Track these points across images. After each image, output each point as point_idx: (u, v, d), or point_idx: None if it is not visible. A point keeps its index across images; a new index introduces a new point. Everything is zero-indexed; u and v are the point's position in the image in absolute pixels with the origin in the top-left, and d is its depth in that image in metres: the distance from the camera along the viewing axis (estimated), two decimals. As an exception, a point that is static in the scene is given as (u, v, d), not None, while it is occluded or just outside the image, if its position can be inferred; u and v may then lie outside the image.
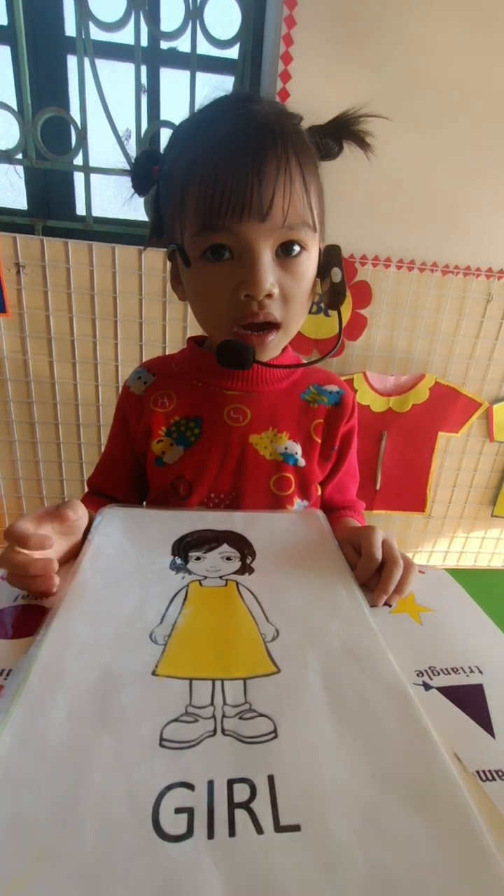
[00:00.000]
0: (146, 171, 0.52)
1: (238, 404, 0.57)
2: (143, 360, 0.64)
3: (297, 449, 0.58)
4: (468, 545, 1.70)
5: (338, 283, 0.52)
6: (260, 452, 0.57)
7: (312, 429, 0.59)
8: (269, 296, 0.47)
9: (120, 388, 1.34)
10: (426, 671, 0.38)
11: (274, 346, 0.52)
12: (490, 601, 0.48)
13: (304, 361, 0.62)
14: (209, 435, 0.57)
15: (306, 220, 0.46)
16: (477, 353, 1.44)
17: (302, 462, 0.58)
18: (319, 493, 0.63)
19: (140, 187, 0.54)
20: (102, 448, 0.68)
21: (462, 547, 1.70)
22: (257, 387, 0.58)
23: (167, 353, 0.67)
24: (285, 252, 0.47)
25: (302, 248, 0.47)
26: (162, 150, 0.52)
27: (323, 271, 0.52)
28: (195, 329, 0.57)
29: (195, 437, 0.57)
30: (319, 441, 0.59)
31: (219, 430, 0.57)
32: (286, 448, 0.58)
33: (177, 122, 1.22)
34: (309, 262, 0.49)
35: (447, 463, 1.55)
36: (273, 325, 0.50)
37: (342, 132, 0.50)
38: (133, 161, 0.53)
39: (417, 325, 1.38)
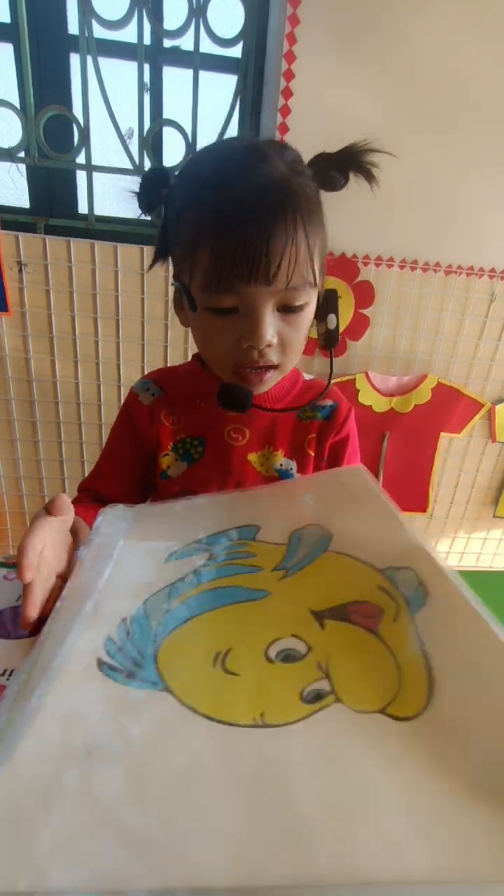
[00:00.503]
0: (155, 193, 0.53)
1: (238, 424, 0.61)
2: (145, 359, 0.64)
3: (292, 465, 0.63)
4: (470, 546, 1.70)
5: (332, 329, 0.55)
6: (257, 469, 0.62)
7: (306, 443, 0.63)
8: (269, 345, 0.50)
9: (121, 387, 1.34)
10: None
11: (270, 383, 0.56)
12: (491, 603, 0.47)
13: (310, 377, 0.65)
14: (212, 453, 0.62)
15: (308, 281, 0.48)
16: (479, 353, 1.43)
17: (298, 477, 0.62)
18: None
19: (146, 207, 0.55)
20: (103, 447, 0.68)
21: (464, 548, 1.70)
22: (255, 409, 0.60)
23: (170, 364, 0.68)
24: (286, 309, 0.49)
25: (302, 304, 0.50)
26: (172, 174, 0.53)
27: (320, 314, 0.55)
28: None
29: (199, 454, 0.62)
30: (313, 454, 0.63)
31: (220, 449, 0.62)
32: (281, 465, 0.62)
33: (180, 121, 1.21)
34: (308, 314, 0.52)
35: (449, 463, 1.55)
36: (271, 366, 0.53)
37: (349, 164, 0.51)
38: (141, 179, 0.54)
39: (420, 325, 1.38)
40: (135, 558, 0.41)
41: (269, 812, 0.21)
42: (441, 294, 1.35)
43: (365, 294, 1.31)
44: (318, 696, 0.26)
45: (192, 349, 1.03)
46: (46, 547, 0.41)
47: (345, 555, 0.37)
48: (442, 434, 1.48)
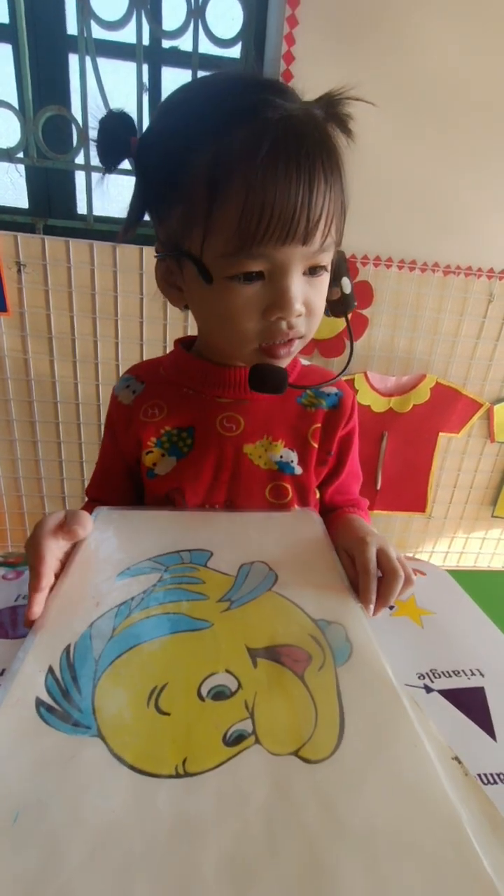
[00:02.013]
0: (119, 140, 0.46)
1: (231, 412, 0.56)
2: (144, 359, 0.63)
3: (293, 457, 0.57)
4: (468, 546, 1.70)
5: (348, 293, 0.51)
6: (254, 462, 0.56)
7: (310, 434, 0.57)
8: (299, 315, 0.46)
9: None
10: (427, 674, 0.38)
11: (294, 354, 0.51)
12: (490, 602, 0.48)
13: (307, 362, 0.61)
14: (202, 445, 0.56)
15: (336, 241, 0.45)
16: (478, 353, 1.43)
17: (298, 470, 0.57)
18: (318, 496, 0.62)
19: (110, 159, 0.47)
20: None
21: (462, 548, 1.70)
22: (250, 394, 0.55)
23: (157, 357, 0.65)
24: (311, 271, 0.45)
25: (327, 265, 0.47)
26: (146, 122, 0.47)
27: (332, 280, 0.50)
28: (195, 328, 0.56)
29: (188, 447, 0.56)
30: (316, 446, 0.58)
31: (212, 440, 0.56)
32: (281, 457, 0.56)
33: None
34: (328, 277, 0.48)
35: (448, 463, 1.55)
36: (297, 337, 0.49)
37: (325, 115, 0.44)
38: (99, 125, 0.46)
39: (418, 325, 1.38)
40: (89, 571, 0.42)
41: (176, 878, 0.22)
42: (439, 294, 1.35)
43: (364, 294, 1.31)
44: (239, 738, 0.28)
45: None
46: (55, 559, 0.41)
47: (285, 598, 0.39)
48: (440, 434, 1.48)
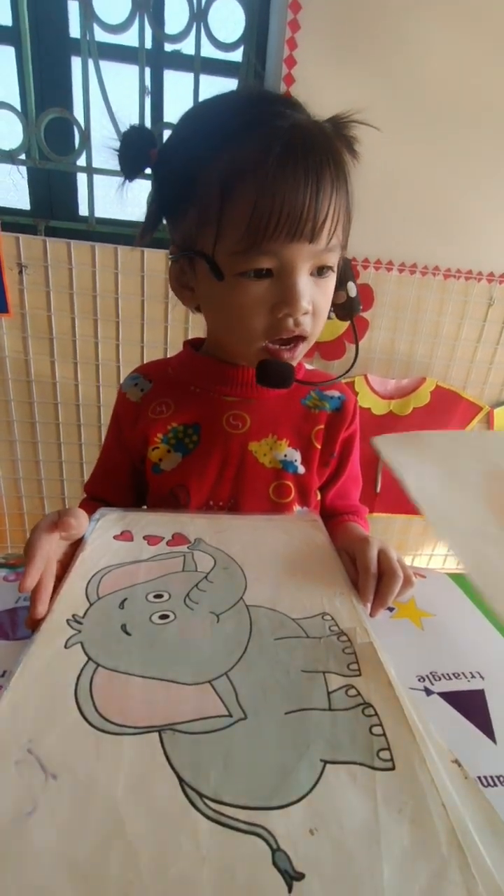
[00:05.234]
0: (140, 152, 0.49)
1: (237, 411, 0.57)
2: (144, 361, 0.64)
3: (296, 456, 0.58)
4: (468, 549, 1.69)
5: (354, 297, 0.53)
6: (259, 460, 0.57)
7: (313, 435, 0.59)
8: (306, 312, 0.47)
9: (121, 389, 1.34)
10: (427, 676, 0.38)
11: (300, 357, 0.53)
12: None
13: (311, 367, 0.62)
14: (208, 442, 0.57)
15: (342, 242, 0.47)
16: (478, 356, 1.44)
17: (301, 469, 0.58)
18: (319, 498, 0.63)
19: (131, 169, 0.50)
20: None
21: (462, 550, 1.69)
22: (257, 393, 0.57)
23: (165, 357, 0.66)
24: (319, 272, 0.47)
25: (333, 266, 0.48)
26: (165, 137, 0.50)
27: (338, 283, 0.52)
28: (196, 331, 0.57)
29: (194, 444, 0.57)
30: (319, 447, 0.59)
31: (218, 438, 0.57)
32: (286, 455, 0.57)
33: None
34: (334, 279, 0.50)
35: (447, 466, 1.55)
36: (301, 338, 0.50)
37: (333, 128, 0.48)
38: (121, 138, 0.49)
39: (419, 328, 1.38)
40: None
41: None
42: (440, 297, 1.35)
43: (364, 297, 1.31)
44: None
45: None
46: (50, 560, 0.41)
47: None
48: (440, 437, 1.48)
